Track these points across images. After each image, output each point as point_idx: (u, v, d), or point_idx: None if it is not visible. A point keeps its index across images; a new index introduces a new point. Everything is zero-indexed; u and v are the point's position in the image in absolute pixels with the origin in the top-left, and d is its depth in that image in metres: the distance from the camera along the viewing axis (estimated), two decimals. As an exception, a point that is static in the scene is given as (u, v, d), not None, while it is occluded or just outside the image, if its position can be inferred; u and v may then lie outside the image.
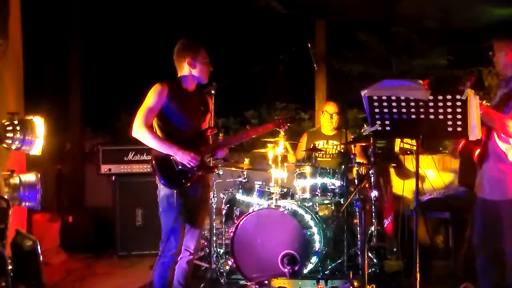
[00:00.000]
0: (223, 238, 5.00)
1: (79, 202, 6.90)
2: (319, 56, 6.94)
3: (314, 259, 4.55)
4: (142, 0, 7.73)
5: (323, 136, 5.57)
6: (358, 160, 4.94)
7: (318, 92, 7.30)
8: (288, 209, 4.63)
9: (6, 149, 3.12)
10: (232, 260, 4.58)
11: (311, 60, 5.13)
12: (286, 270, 4.32)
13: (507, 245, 3.34)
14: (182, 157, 3.53)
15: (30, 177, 3.39)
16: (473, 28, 6.88)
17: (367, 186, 4.76)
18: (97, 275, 5.21)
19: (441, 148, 6.24)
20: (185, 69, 3.69)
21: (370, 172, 4.68)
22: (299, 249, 4.37)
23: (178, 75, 3.73)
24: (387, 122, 3.11)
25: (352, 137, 5.08)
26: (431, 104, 2.96)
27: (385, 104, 3.05)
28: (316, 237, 4.60)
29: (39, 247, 3.20)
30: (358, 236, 4.59)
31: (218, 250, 4.84)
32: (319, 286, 4.30)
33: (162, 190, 3.62)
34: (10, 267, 3.00)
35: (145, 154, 5.70)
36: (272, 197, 4.69)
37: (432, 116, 2.99)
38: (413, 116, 3.03)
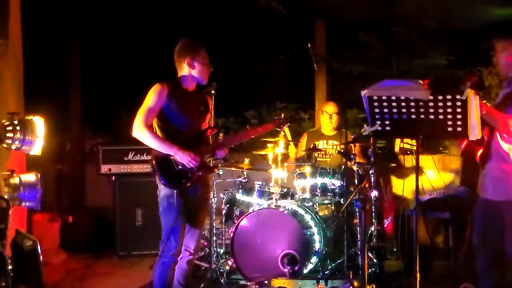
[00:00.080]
0: (223, 238, 5.00)
1: (79, 202, 6.90)
2: (319, 56, 6.94)
3: (314, 259, 4.55)
4: (142, 0, 7.73)
5: (323, 136, 5.57)
6: (358, 160, 4.94)
7: (318, 92, 7.30)
8: (288, 209, 4.63)
9: (6, 149, 3.11)
10: (232, 260, 4.58)
11: (311, 60, 5.13)
12: (286, 270, 4.33)
13: (508, 246, 3.34)
14: (182, 157, 3.53)
15: (30, 177, 3.39)
16: (473, 28, 6.88)
17: (367, 186, 4.76)
18: (97, 275, 5.21)
19: (441, 148, 6.24)
20: (184, 69, 3.69)
21: (370, 172, 4.68)
22: (299, 249, 4.38)
23: (178, 75, 3.73)
24: (387, 122, 3.11)
25: (352, 137, 5.07)
26: (431, 104, 2.96)
27: (385, 104, 3.05)
28: (316, 237, 4.60)
29: (39, 247, 3.20)
30: (358, 236, 4.59)
31: (218, 250, 4.85)
32: (319, 286, 4.30)
33: (162, 190, 3.62)
34: (10, 267, 3.00)
35: (145, 154, 5.70)
36: (272, 197, 4.69)
37: (432, 116, 2.99)
38: (413, 116, 3.03)
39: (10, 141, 3.07)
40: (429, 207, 5.02)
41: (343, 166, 4.92)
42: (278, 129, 4.09)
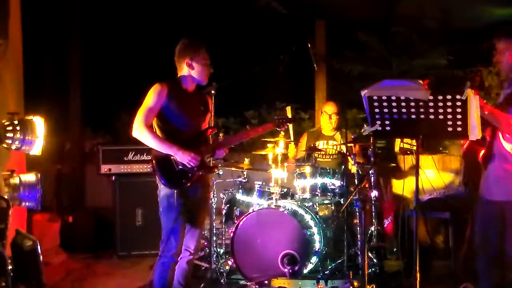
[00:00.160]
0: (223, 238, 5.00)
1: (79, 202, 6.90)
2: (319, 56, 6.94)
3: (314, 259, 4.55)
4: (142, 0, 7.73)
5: (323, 136, 5.57)
6: (358, 160, 4.94)
7: (318, 92, 7.31)
8: (288, 209, 4.63)
9: (6, 149, 3.11)
10: (232, 260, 4.58)
11: (311, 60, 5.13)
12: (286, 270, 4.32)
13: (509, 246, 3.34)
14: (182, 157, 3.53)
15: (30, 177, 3.39)
16: (473, 28, 6.88)
17: (367, 186, 4.76)
18: (97, 275, 5.21)
19: (441, 148, 6.24)
20: (184, 70, 3.69)
21: (370, 172, 4.68)
22: (299, 249, 4.37)
23: (178, 75, 3.73)
24: (387, 122, 3.11)
25: (352, 137, 5.07)
26: (431, 104, 2.96)
27: (385, 104, 3.05)
28: (316, 237, 4.60)
29: (39, 247, 3.20)
30: (358, 236, 4.59)
31: (218, 250, 4.84)
32: (319, 286, 4.30)
33: (162, 190, 3.62)
34: (10, 267, 3.00)
35: (145, 154, 5.70)
36: (272, 197, 4.69)
37: (432, 116, 2.99)
38: (413, 116, 3.03)
39: (10, 141, 3.07)
40: (429, 207, 5.02)
41: (343, 166, 4.92)
42: (278, 128, 4.08)
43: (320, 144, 5.49)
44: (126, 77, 7.69)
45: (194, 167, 3.56)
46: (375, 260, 4.68)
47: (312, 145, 5.22)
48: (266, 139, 4.95)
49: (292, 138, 4.99)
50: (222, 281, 4.60)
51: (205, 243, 4.97)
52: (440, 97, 2.93)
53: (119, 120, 7.32)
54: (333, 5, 6.70)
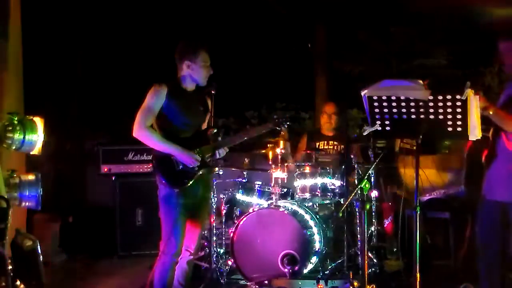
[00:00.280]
0: (223, 238, 4.99)
1: (79, 202, 6.89)
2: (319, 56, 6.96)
3: (314, 259, 4.55)
4: (142, 1, 7.73)
5: (323, 136, 5.56)
6: (357, 160, 4.94)
7: (318, 92, 7.31)
8: (288, 209, 4.63)
9: (6, 149, 3.11)
10: (232, 260, 4.58)
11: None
12: (286, 270, 4.32)
13: (511, 246, 3.34)
14: (182, 157, 3.54)
15: (30, 177, 3.39)
16: (473, 28, 6.88)
17: (367, 186, 4.75)
18: (97, 275, 5.21)
19: (438, 147, 6.23)
20: (184, 70, 3.69)
21: (370, 172, 4.68)
22: (299, 249, 4.37)
23: (178, 76, 3.73)
24: (387, 122, 3.11)
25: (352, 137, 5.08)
26: (431, 104, 2.96)
27: (385, 104, 3.05)
28: (316, 237, 4.60)
29: (39, 247, 3.19)
30: (358, 236, 4.59)
31: (218, 250, 4.84)
32: (319, 286, 4.30)
33: (163, 190, 3.62)
34: (10, 267, 2.99)
35: (145, 154, 5.70)
36: (272, 197, 4.69)
37: (432, 116, 2.99)
38: (413, 116, 3.03)
39: (10, 141, 3.07)
40: (429, 207, 5.02)
41: (343, 166, 4.92)
42: (277, 128, 4.08)
43: (320, 144, 5.49)
44: (127, 77, 7.69)
45: (194, 167, 3.57)
46: (375, 260, 4.68)
47: (313, 145, 5.22)
48: (266, 139, 4.95)
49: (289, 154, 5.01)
50: (222, 281, 4.60)
51: (205, 243, 4.97)
52: (440, 97, 2.93)
53: (119, 120, 7.31)
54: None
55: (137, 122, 3.55)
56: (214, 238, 4.72)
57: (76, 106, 7.10)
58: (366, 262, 3.77)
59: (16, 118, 3.11)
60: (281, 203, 4.67)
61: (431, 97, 2.94)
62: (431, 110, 2.97)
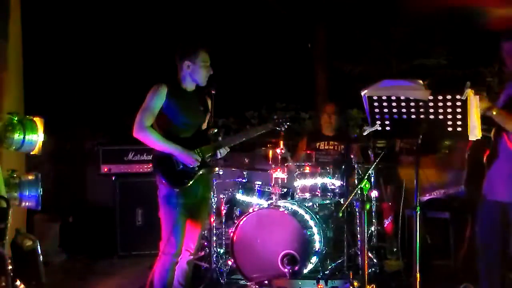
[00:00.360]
0: (223, 238, 4.99)
1: (79, 202, 6.89)
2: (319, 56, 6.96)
3: (314, 259, 4.55)
4: (143, 1, 7.74)
5: (323, 136, 5.56)
6: (357, 160, 4.94)
7: (318, 92, 7.31)
8: (288, 209, 4.63)
9: (6, 149, 3.11)
10: (232, 260, 4.58)
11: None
12: (286, 270, 4.32)
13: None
14: (183, 157, 3.54)
15: (30, 177, 3.39)
16: (473, 28, 6.88)
17: (367, 186, 4.75)
18: (97, 275, 5.21)
19: (438, 148, 6.23)
20: (184, 71, 3.69)
21: (370, 172, 4.68)
22: (299, 249, 4.37)
23: (178, 76, 3.73)
24: (387, 122, 3.11)
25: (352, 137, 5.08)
26: (431, 104, 2.96)
27: (385, 104, 3.05)
28: (316, 237, 4.59)
29: (39, 247, 3.20)
30: (358, 236, 4.59)
31: (218, 250, 4.84)
32: (319, 286, 4.30)
33: (163, 190, 3.62)
34: (10, 267, 2.99)
35: (145, 154, 5.70)
36: (272, 197, 4.69)
37: (432, 116, 2.99)
38: (413, 116, 3.03)
39: (10, 141, 3.07)
40: (429, 207, 5.02)
41: (343, 166, 4.91)
42: (277, 128, 4.08)
43: (320, 144, 5.49)
44: (127, 77, 7.69)
45: (194, 167, 3.57)
46: (375, 260, 4.68)
47: (313, 145, 5.22)
48: (266, 139, 4.95)
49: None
50: (222, 281, 4.60)
51: (205, 243, 4.97)
52: (440, 97, 2.93)
53: (119, 120, 7.31)
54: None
55: (137, 122, 3.56)
56: (214, 238, 4.73)
57: (76, 106, 7.10)
58: (366, 262, 3.76)
59: (16, 118, 3.11)
60: (281, 203, 4.67)
61: (431, 97, 2.94)
62: (431, 110, 2.97)
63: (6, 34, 4.43)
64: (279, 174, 4.72)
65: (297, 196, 4.84)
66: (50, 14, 6.93)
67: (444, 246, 5.14)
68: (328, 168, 4.87)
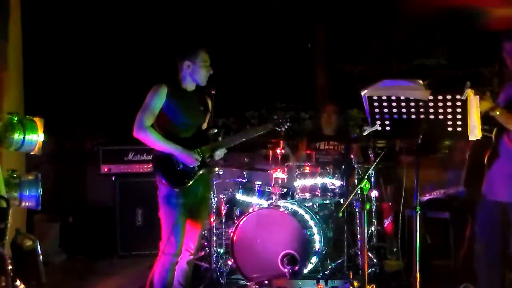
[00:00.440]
0: (223, 238, 4.99)
1: (79, 202, 6.89)
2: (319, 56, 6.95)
3: (314, 259, 4.55)
4: (143, 1, 7.74)
5: (323, 136, 5.56)
6: (357, 160, 4.94)
7: (318, 92, 7.31)
8: (288, 209, 4.63)
9: (6, 149, 3.12)
10: (232, 260, 4.58)
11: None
12: (286, 270, 4.32)
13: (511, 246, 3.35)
14: (183, 157, 3.54)
15: (30, 177, 3.39)
16: (473, 28, 6.88)
17: (367, 186, 4.75)
18: (97, 275, 5.21)
19: (438, 148, 6.24)
20: (184, 71, 3.69)
21: (370, 172, 4.68)
22: (299, 249, 4.37)
23: (178, 76, 3.74)
24: (387, 122, 3.11)
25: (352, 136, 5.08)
26: (431, 104, 2.96)
27: (385, 104, 3.05)
28: (316, 237, 4.60)
29: (39, 247, 3.20)
30: (358, 236, 4.59)
31: (218, 250, 4.84)
32: (319, 286, 4.30)
33: (163, 190, 3.62)
34: (10, 267, 2.99)
35: (145, 154, 5.70)
36: (272, 197, 4.69)
37: (432, 116, 2.99)
38: (413, 116, 3.03)
39: (10, 141, 3.07)
40: (429, 207, 5.02)
41: (343, 166, 4.92)
42: (277, 129, 4.08)
43: (320, 144, 5.49)
44: (127, 77, 7.69)
45: (194, 167, 3.57)
46: (375, 260, 4.68)
47: (313, 145, 5.22)
48: (266, 139, 4.95)
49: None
50: (222, 281, 4.60)
51: (205, 243, 4.97)
52: (440, 97, 2.93)
53: (119, 120, 7.31)
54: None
55: (137, 122, 3.56)
56: (214, 238, 4.73)
57: (76, 106, 7.10)
58: (366, 262, 3.76)
59: (16, 118, 3.12)
60: (281, 203, 4.68)
61: (431, 97, 2.94)
62: (431, 110, 2.97)
63: (6, 34, 4.43)
64: (279, 174, 4.72)
65: (297, 196, 4.84)
66: (50, 14, 6.93)
67: (444, 246, 5.14)
68: (328, 168, 4.87)
